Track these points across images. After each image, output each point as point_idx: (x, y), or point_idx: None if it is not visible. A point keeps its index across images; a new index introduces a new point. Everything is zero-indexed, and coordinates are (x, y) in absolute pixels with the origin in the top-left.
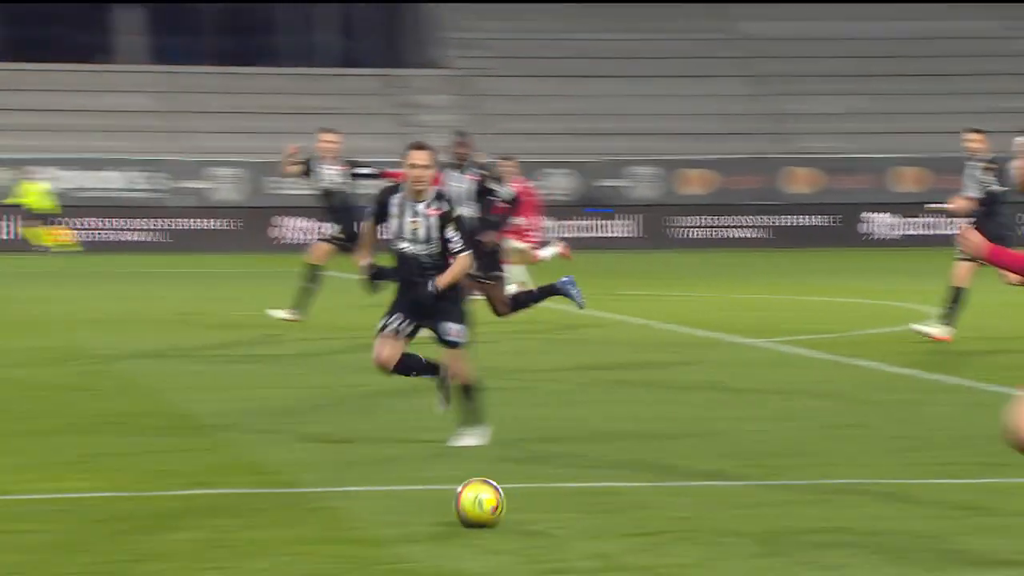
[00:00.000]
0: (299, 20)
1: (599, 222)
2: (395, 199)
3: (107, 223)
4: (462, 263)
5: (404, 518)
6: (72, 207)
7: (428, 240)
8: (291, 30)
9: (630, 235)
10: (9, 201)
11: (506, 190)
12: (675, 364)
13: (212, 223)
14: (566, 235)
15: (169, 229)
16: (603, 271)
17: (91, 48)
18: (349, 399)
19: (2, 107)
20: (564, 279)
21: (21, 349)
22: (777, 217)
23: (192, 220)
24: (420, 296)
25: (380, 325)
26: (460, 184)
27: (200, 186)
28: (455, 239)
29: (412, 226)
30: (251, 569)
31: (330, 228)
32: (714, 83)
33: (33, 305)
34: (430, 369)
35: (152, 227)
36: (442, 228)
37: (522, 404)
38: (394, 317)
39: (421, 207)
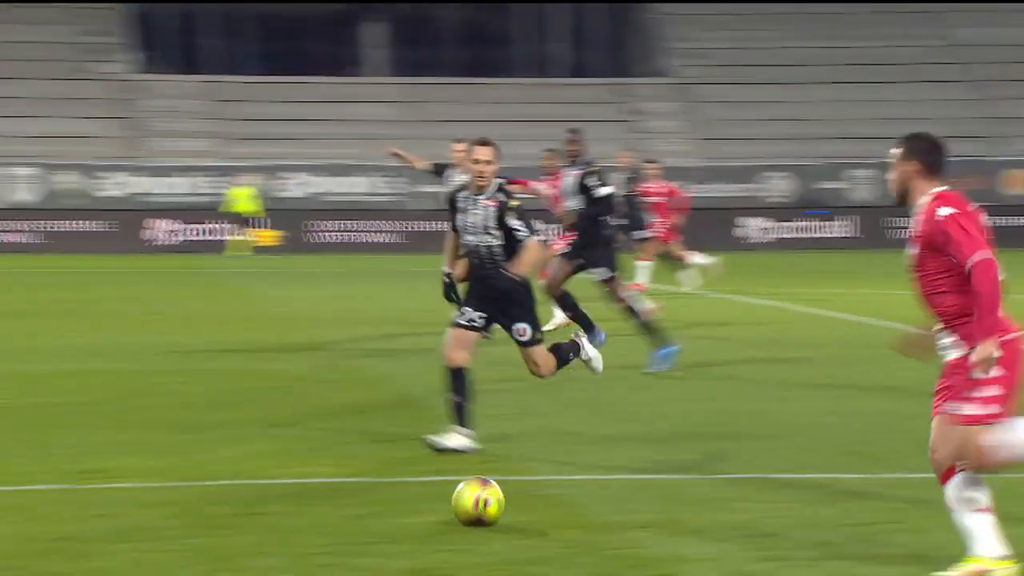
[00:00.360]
0: (531, 32)
1: (818, 223)
2: (461, 195)
3: (351, 225)
4: (531, 250)
5: (627, 505)
6: (320, 210)
7: (486, 230)
8: (524, 42)
9: (848, 235)
10: (223, 209)
11: (602, 188)
12: (883, 360)
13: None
14: (785, 236)
15: (406, 231)
16: (820, 270)
17: (339, 61)
18: (571, 390)
19: (258, 117)
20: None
21: (268, 344)
22: (995, 218)
23: (428, 223)
24: (489, 288)
25: (453, 318)
26: (566, 179)
27: (434, 190)
28: (519, 228)
29: (473, 218)
30: (486, 552)
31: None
32: (931, 88)
33: (282, 304)
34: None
35: (391, 229)
36: (500, 218)
37: (737, 396)
38: (466, 310)
39: (481, 199)
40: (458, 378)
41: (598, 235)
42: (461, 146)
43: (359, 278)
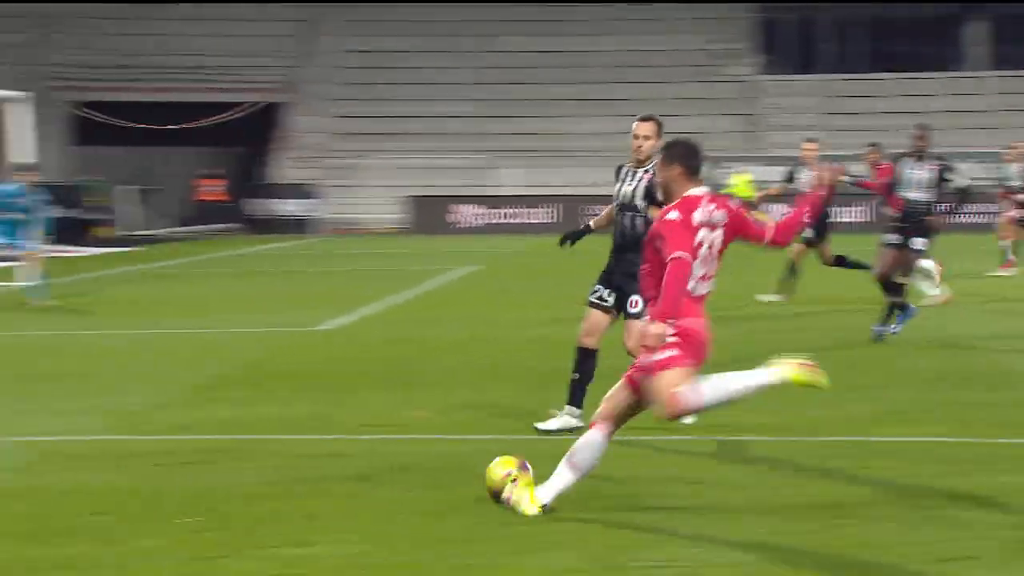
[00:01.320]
0: None
1: None
2: (623, 168)
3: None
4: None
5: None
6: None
7: (632, 204)
8: None
9: None
10: (725, 191)
11: (961, 179)
12: None
13: None
14: None
15: None
16: None
17: (941, 58)
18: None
19: (865, 111)
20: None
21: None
22: None
23: None
24: (629, 264)
25: (589, 297)
26: (916, 172)
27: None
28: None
29: (626, 190)
30: None
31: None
32: None
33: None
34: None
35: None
36: (648, 193)
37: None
38: (597, 287)
39: (640, 172)
40: (583, 359)
41: (930, 223)
42: (810, 145)
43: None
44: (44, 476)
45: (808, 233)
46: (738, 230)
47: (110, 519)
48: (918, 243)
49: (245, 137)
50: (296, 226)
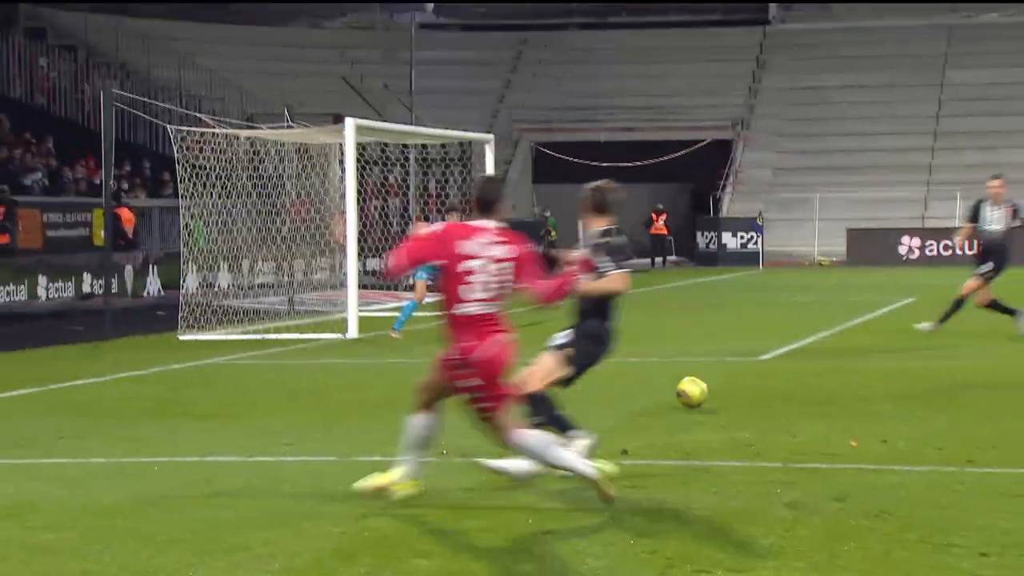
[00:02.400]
0: None
1: None
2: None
3: None
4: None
5: None
6: None
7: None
8: None
9: None
10: None
11: None
12: None
13: None
14: None
15: None
16: None
17: None
18: None
19: None
20: None
21: None
22: None
23: None
24: None
25: None
26: None
27: None
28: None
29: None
30: None
31: (983, 266)
32: None
33: None
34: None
35: None
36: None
37: None
38: None
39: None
40: None
41: None
42: (995, 183)
43: None
44: (496, 497)
45: (987, 268)
46: (518, 274)
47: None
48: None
49: (695, 173)
50: (740, 258)
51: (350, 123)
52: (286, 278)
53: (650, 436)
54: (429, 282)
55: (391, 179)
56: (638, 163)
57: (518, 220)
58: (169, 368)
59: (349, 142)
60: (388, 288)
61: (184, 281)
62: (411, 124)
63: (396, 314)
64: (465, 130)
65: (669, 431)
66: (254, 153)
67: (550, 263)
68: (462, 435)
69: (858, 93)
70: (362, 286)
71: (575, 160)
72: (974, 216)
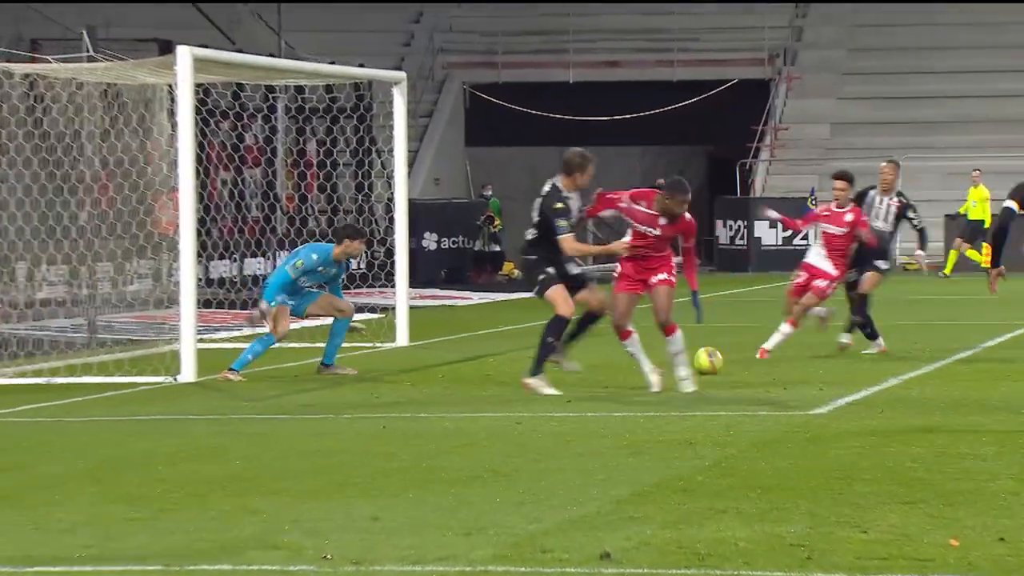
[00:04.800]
0: None
1: None
2: None
3: None
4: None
5: None
6: None
7: None
8: None
9: None
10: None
11: None
12: None
13: None
14: None
15: None
16: None
17: None
18: None
19: None
20: None
21: None
22: None
23: None
24: None
25: None
26: None
27: None
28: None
29: None
30: None
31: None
32: None
33: None
34: None
35: None
36: None
37: None
38: None
39: None
40: None
41: None
42: (886, 167)
43: None
44: None
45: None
46: None
47: None
48: None
49: (714, 131)
50: (782, 260)
51: (184, 53)
52: (85, 290)
53: (646, 529)
54: (293, 309)
55: (248, 140)
56: (627, 116)
57: (443, 201)
58: None
59: (184, 83)
60: (247, 305)
61: None
62: (279, 55)
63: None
64: (362, 65)
65: (674, 522)
66: (35, 100)
67: (487, 261)
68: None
69: (963, 11)
70: (204, 303)
71: (529, 111)
72: (859, 202)
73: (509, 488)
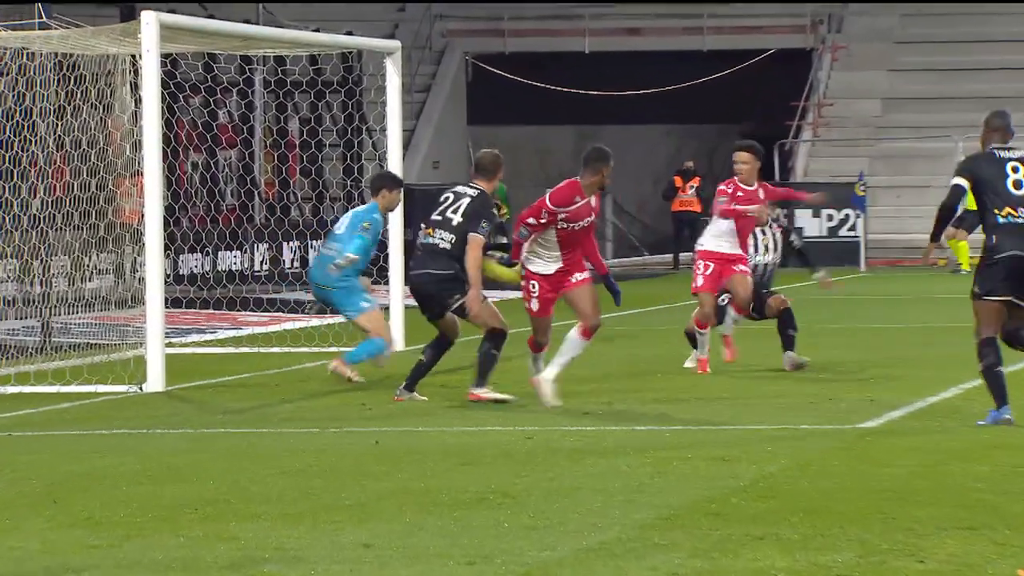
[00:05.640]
0: None
1: None
2: None
3: None
4: None
5: None
6: None
7: None
8: None
9: None
10: None
11: None
12: None
13: None
14: None
15: None
16: None
17: None
18: None
19: None
20: None
21: None
22: None
23: None
24: None
25: None
26: None
27: None
28: None
29: None
30: None
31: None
32: None
33: None
34: None
35: None
36: None
37: None
38: None
39: None
40: None
41: None
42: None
43: None
44: None
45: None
46: None
47: None
48: None
49: (749, 108)
50: (827, 253)
51: (150, 20)
52: (38, 288)
53: (673, 558)
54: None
55: (222, 117)
56: (649, 91)
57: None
58: None
59: (149, 53)
60: (220, 305)
61: None
62: (257, 22)
63: (226, 350)
64: (351, 33)
65: (706, 549)
66: None
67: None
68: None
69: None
70: (172, 302)
71: (539, 85)
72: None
73: (518, 511)
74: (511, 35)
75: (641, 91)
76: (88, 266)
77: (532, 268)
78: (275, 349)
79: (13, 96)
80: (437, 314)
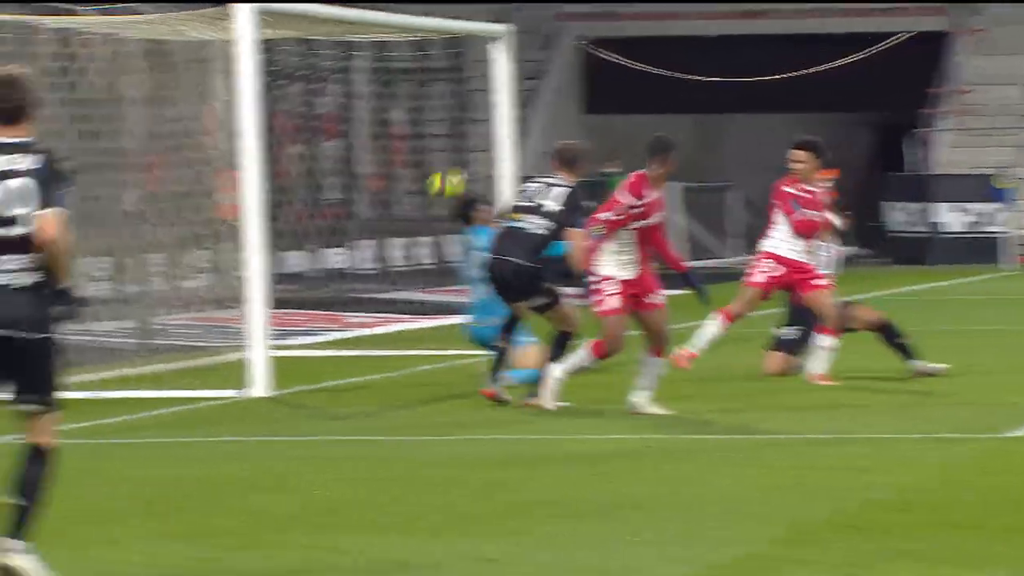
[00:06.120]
0: None
1: None
2: None
3: None
4: None
5: None
6: None
7: None
8: None
9: None
10: None
11: None
12: None
13: None
14: None
15: None
16: None
17: None
18: None
19: None
20: None
21: None
22: None
23: None
24: None
25: None
26: None
27: None
28: None
29: None
30: None
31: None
32: None
33: None
34: None
35: None
36: None
37: None
38: None
39: None
40: None
41: None
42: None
43: None
44: None
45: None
46: None
47: None
48: None
49: (880, 96)
50: (968, 250)
51: (245, 4)
52: (133, 287)
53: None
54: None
55: (321, 106)
56: (776, 76)
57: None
58: None
59: (245, 39)
60: (332, 304)
61: None
62: (357, 6)
63: (333, 353)
64: (458, 18)
65: (842, 565)
66: (68, 59)
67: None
68: None
69: None
70: (276, 302)
71: (659, 71)
72: None
73: (646, 524)
74: (627, 18)
75: (765, 77)
76: (185, 264)
77: (608, 271)
78: (385, 352)
79: (102, 85)
80: (513, 300)
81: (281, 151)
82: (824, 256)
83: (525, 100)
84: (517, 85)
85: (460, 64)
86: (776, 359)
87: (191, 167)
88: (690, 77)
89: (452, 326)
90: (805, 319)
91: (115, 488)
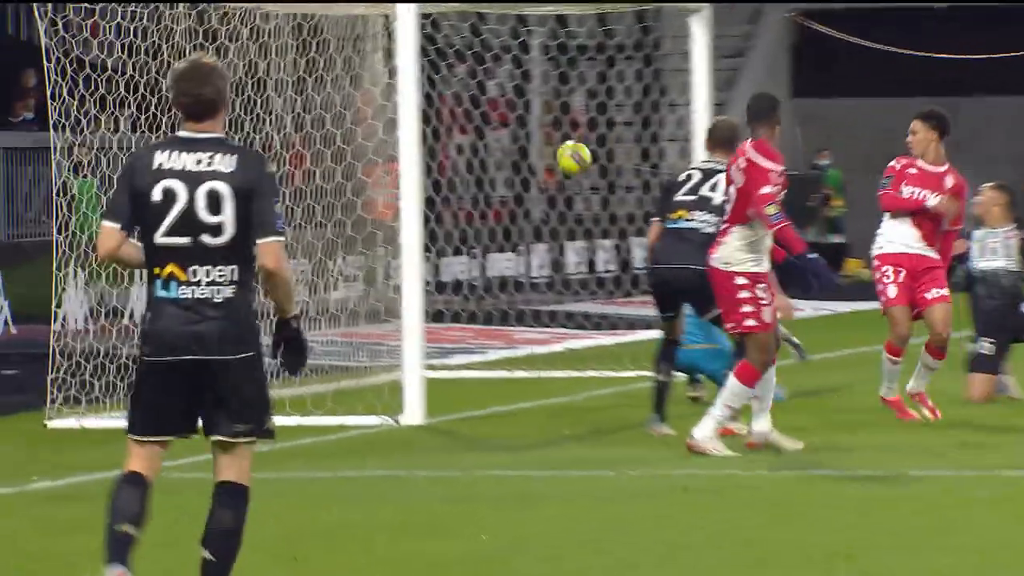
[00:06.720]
0: None
1: None
2: None
3: None
4: None
5: None
6: None
7: None
8: None
9: None
10: None
11: None
12: None
13: None
14: None
15: None
16: None
17: None
18: None
19: None
20: None
21: None
22: None
23: None
24: None
25: None
26: None
27: None
28: None
29: None
30: None
31: None
32: None
33: None
34: None
35: None
36: None
37: None
38: None
39: None
40: None
41: None
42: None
43: None
44: None
45: None
46: None
47: None
48: None
49: None
50: None
51: None
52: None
53: None
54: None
55: (492, 91)
56: (1018, 53)
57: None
58: (26, 489)
59: (406, 15)
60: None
61: (61, 306)
62: None
63: (498, 374)
64: None
65: None
66: (205, 37)
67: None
68: None
69: None
70: (433, 315)
71: (884, 47)
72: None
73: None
74: None
75: (1008, 54)
76: (333, 272)
77: (754, 270)
78: (558, 373)
79: (244, 66)
80: (676, 314)
81: (443, 142)
82: (992, 242)
83: (727, 82)
84: (717, 64)
85: (651, 41)
86: (980, 383)
87: (341, 160)
88: (916, 54)
89: (639, 343)
90: (998, 324)
91: (247, 527)
